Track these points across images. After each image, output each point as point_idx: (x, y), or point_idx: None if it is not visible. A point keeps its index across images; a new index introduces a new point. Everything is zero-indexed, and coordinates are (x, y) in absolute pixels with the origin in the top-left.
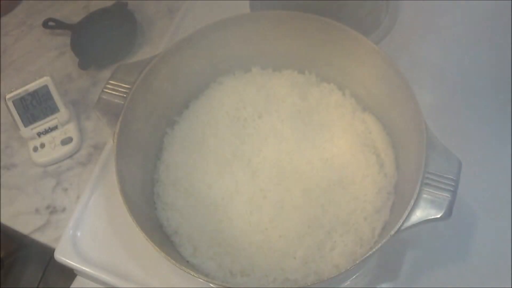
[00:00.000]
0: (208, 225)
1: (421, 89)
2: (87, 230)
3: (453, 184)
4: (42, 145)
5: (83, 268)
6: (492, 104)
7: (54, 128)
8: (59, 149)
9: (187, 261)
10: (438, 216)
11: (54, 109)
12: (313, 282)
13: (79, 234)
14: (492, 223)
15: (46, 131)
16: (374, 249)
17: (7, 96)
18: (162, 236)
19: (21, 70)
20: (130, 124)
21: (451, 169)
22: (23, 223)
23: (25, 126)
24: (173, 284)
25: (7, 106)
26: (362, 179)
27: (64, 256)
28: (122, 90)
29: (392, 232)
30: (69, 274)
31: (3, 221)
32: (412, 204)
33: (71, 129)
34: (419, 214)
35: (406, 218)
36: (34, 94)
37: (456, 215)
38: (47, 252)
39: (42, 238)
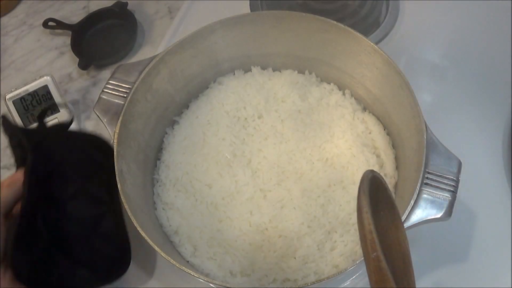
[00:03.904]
0: (208, 225)
1: (421, 89)
2: None
3: (453, 184)
4: None
5: None
6: (492, 104)
7: None
8: None
9: (187, 261)
10: (438, 216)
11: (54, 109)
12: (313, 282)
13: None
14: (492, 223)
15: None
16: None
17: (7, 96)
18: (162, 236)
19: (21, 70)
20: (130, 124)
21: (451, 169)
22: None
23: (25, 126)
24: (173, 284)
25: (7, 106)
26: None
27: None
28: (122, 90)
29: None
30: None
31: None
32: (412, 204)
33: (71, 129)
34: (419, 214)
35: (406, 218)
36: (34, 94)
37: (456, 215)
38: None
39: None
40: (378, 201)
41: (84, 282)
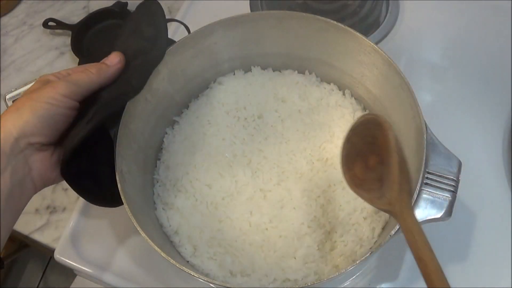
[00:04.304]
0: (208, 225)
1: (421, 89)
2: (87, 230)
3: (453, 184)
4: None
5: (83, 268)
6: (492, 104)
7: None
8: None
9: (187, 261)
10: (438, 216)
11: None
12: (313, 282)
13: (79, 234)
14: (492, 223)
15: None
16: (374, 250)
17: (7, 96)
18: (162, 236)
19: (21, 70)
20: (130, 124)
21: (451, 169)
22: (23, 223)
23: None
24: (173, 284)
25: (7, 106)
26: None
27: (64, 256)
28: None
29: (392, 232)
30: (69, 274)
31: None
32: (412, 204)
33: None
34: (419, 214)
35: None
36: None
37: (456, 215)
38: (47, 252)
39: (42, 238)
40: (372, 129)
41: (100, 199)
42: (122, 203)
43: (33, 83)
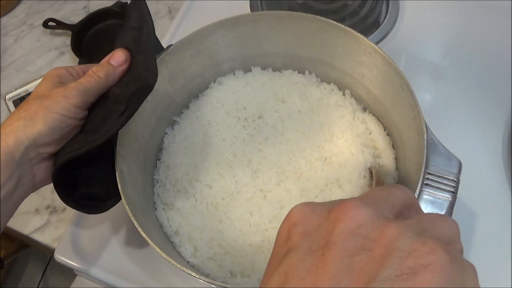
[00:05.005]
0: (208, 225)
1: (421, 89)
2: (87, 230)
3: (453, 185)
4: None
5: (83, 268)
6: (492, 104)
7: None
8: None
9: (188, 262)
10: None
11: None
12: None
13: (79, 234)
14: (492, 223)
15: None
16: None
17: (7, 96)
18: (162, 237)
19: (21, 70)
20: (130, 125)
21: (452, 170)
22: (23, 223)
23: None
24: (173, 284)
25: (7, 106)
26: (361, 179)
27: (64, 256)
28: None
29: None
30: (69, 274)
31: None
32: None
33: None
34: None
35: None
36: None
37: (456, 215)
38: (47, 252)
39: (42, 238)
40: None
41: (93, 206)
42: (108, 207)
43: (33, 82)
